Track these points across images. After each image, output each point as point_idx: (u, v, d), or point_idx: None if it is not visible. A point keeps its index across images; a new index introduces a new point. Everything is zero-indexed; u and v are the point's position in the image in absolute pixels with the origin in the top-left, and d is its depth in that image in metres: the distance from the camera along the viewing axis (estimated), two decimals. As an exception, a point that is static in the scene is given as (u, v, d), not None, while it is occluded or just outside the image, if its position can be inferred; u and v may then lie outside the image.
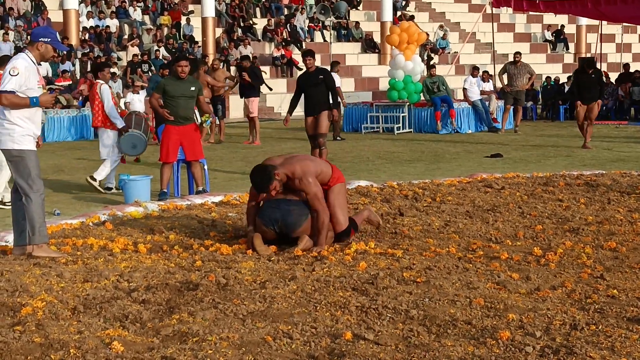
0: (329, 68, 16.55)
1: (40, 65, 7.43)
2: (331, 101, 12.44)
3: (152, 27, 30.56)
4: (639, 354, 4.61)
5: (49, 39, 7.24)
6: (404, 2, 37.57)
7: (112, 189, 11.60)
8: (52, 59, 7.59)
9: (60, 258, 6.99)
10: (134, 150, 11.97)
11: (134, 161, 14.31)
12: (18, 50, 22.91)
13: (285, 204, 7.45)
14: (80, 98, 22.05)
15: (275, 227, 7.35)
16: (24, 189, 7.12)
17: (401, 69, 21.46)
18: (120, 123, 11.69)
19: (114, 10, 30.08)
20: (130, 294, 5.84)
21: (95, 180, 11.60)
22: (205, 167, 11.29)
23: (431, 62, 25.58)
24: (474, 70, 22.73)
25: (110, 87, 12.07)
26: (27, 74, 7.08)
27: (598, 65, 26.99)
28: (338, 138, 19.60)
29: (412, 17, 33.33)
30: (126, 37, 29.18)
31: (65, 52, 24.54)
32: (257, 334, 4.98)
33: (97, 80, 11.87)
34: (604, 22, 28.52)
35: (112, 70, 25.21)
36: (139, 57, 26.94)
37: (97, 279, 6.25)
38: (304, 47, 31.68)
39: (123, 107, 21.94)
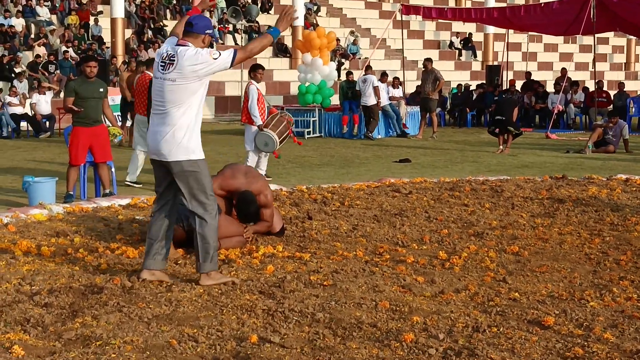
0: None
1: None
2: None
3: (59, 27, 29.97)
4: (537, 355, 4.73)
5: (212, 31, 6.34)
6: (315, 7, 37.71)
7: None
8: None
9: (232, 281, 6.20)
10: (266, 147, 12.63)
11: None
12: None
13: None
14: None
15: (184, 224, 7.28)
16: (197, 209, 6.18)
17: (318, 72, 21.56)
18: (258, 121, 12.49)
19: (20, 9, 29.43)
20: (33, 297, 5.72)
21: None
22: (113, 169, 11.15)
23: (342, 67, 25.66)
24: (383, 76, 22.94)
25: (258, 88, 12.75)
26: None
27: (505, 74, 27.70)
28: (363, 136, 20.83)
29: (316, 24, 33.51)
30: (33, 36, 28.59)
31: None
32: (162, 337, 4.93)
33: (250, 80, 12.79)
34: (511, 31, 29.11)
35: (17, 69, 24.72)
36: (46, 57, 26.41)
37: (-2, 283, 6.12)
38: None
39: (29, 108, 21.59)
